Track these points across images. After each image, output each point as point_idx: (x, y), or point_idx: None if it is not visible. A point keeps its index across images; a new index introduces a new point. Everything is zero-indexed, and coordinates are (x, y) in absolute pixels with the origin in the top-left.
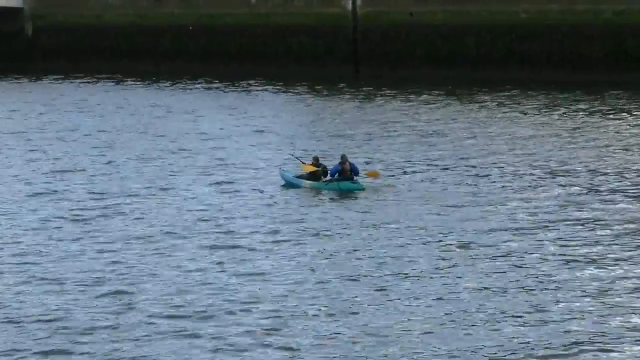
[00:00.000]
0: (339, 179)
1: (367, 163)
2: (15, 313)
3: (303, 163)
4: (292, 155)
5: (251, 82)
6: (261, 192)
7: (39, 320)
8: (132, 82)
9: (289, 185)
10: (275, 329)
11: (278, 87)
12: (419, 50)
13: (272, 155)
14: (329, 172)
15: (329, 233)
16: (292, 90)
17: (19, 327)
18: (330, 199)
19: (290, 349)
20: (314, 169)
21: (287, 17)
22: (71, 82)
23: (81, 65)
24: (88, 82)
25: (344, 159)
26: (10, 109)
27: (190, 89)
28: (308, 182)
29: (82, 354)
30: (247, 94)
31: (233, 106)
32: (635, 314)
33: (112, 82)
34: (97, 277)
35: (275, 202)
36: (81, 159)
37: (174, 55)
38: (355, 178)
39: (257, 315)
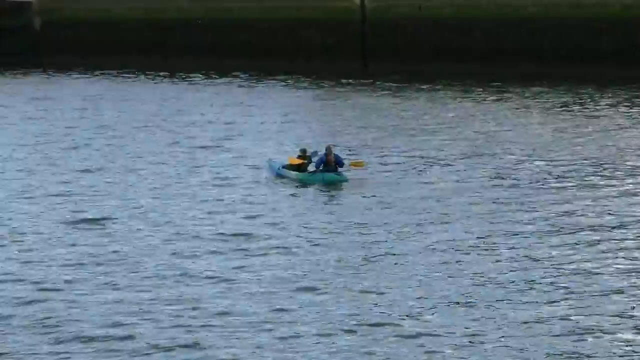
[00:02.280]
0: (323, 170)
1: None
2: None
3: (282, 167)
4: (268, 162)
5: (259, 76)
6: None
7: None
8: (141, 77)
9: (275, 175)
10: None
11: (286, 82)
12: (428, 44)
13: (278, 150)
14: (314, 162)
15: (329, 232)
16: (300, 85)
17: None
18: (318, 192)
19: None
20: (299, 161)
21: (295, 11)
22: (79, 76)
23: (89, 59)
24: (97, 77)
25: (328, 150)
26: (19, 104)
27: (199, 83)
28: (293, 173)
29: None
30: (255, 88)
31: (241, 101)
32: None
33: (121, 76)
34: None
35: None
36: (89, 156)
37: (183, 49)
38: (339, 170)
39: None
